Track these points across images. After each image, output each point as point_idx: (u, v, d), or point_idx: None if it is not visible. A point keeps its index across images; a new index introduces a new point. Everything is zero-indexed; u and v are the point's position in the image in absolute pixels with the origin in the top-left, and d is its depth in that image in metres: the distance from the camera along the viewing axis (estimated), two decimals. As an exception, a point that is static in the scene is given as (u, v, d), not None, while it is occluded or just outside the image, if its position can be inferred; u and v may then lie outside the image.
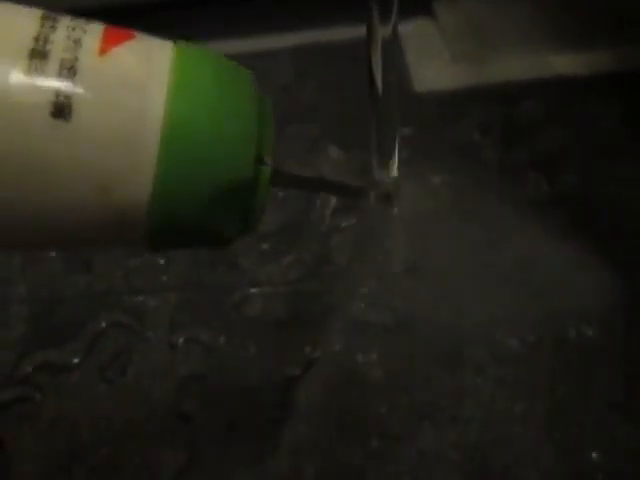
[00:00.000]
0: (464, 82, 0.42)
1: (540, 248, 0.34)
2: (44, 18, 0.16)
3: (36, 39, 0.15)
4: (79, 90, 0.15)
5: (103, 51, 0.16)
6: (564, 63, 0.42)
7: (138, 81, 0.16)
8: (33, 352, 0.32)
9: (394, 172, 0.28)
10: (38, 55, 0.15)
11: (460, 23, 0.45)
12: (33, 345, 0.32)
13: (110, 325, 0.33)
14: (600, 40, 0.42)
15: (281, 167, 0.18)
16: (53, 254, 0.35)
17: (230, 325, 0.32)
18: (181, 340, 0.32)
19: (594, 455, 0.28)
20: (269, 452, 0.28)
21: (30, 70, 0.15)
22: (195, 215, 0.17)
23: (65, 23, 0.16)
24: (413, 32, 0.45)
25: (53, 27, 0.16)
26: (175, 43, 0.17)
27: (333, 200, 0.35)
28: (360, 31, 0.25)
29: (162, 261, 0.34)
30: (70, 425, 0.30)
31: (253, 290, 0.33)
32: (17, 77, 0.15)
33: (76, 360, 0.31)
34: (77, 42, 0.15)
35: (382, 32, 0.23)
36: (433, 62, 0.43)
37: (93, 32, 0.16)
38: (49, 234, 0.16)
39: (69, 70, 0.15)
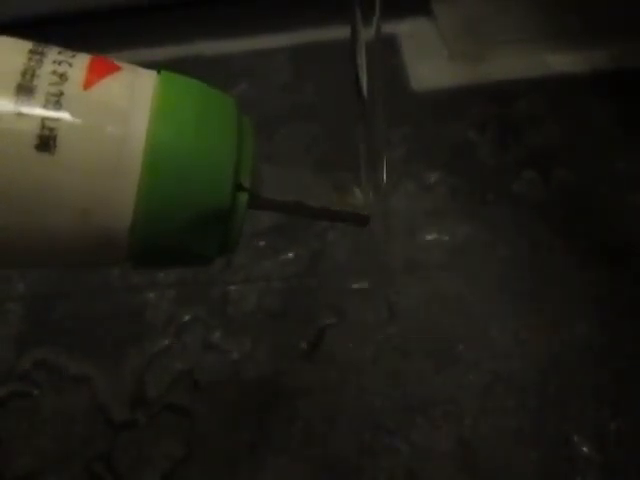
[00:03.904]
0: (461, 81, 0.42)
1: (536, 246, 0.34)
2: (32, 52, 0.16)
3: (23, 74, 0.15)
4: (63, 123, 0.15)
5: (88, 84, 0.16)
6: (561, 62, 0.42)
7: (121, 110, 0.16)
8: (31, 349, 0.32)
9: (383, 177, 0.28)
10: (25, 90, 0.15)
11: (458, 22, 0.45)
12: (31, 342, 0.32)
13: (107, 321, 0.33)
14: (596, 39, 0.42)
15: (259, 192, 0.18)
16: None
17: (226, 321, 0.32)
18: (177, 335, 0.32)
19: (584, 449, 0.28)
20: (264, 446, 0.29)
21: (17, 104, 0.15)
22: (174, 238, 0.17)
23: (52, 57, 0.16)
24: (411, 31, 0.45)
25: (40, 61, 0.16)
26: (159, 72, 0.17)
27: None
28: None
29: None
30: (68, 420, 0.30)
31: (249, 286, 0.33)
32: (3, 111, 0.15)
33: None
34: (63, 76, 0.16)
35: (366, 34, 0.23)
36: (431, 61, 0.43)
37: (79, 65, 0.16)
38: (32, 256, 0.17)
39: (55, 104, 0.15)
